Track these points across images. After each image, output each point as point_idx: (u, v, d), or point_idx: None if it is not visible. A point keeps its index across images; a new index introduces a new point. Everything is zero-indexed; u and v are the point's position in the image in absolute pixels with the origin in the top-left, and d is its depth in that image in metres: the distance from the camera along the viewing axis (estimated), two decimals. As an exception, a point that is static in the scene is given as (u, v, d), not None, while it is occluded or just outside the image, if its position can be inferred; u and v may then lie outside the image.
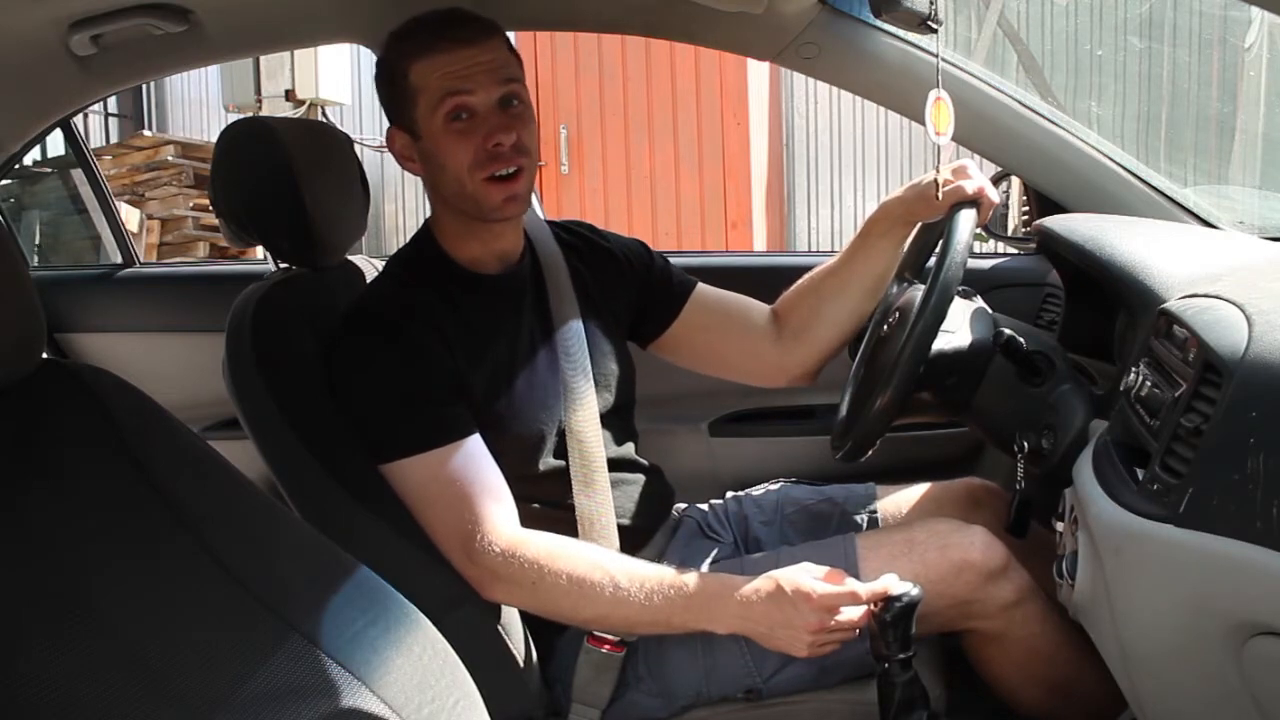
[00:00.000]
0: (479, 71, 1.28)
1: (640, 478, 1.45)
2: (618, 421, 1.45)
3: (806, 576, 1.22)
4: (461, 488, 1.24)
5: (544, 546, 1.24)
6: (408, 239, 1.44)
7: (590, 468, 1.34)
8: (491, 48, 1.30)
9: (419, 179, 1.37)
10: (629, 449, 1.46)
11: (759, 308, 1.56)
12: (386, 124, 1.38)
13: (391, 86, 1.33)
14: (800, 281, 1.56)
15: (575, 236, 1.51)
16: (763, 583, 1.22)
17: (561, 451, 1.34)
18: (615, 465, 1.40)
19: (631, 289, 1.52)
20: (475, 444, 1.27)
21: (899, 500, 1.53)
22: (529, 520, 1.29)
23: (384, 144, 1.38)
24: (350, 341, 1.31)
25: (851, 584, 1.21)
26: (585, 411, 1.36)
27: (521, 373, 1.33)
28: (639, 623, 1.24)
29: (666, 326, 1.54)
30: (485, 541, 1.22)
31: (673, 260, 1.61)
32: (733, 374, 1.61)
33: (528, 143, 1.31)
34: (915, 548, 1.31)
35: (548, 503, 1.34)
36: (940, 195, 1.37)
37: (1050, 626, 1.30)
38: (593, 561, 1.24)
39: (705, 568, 1.38)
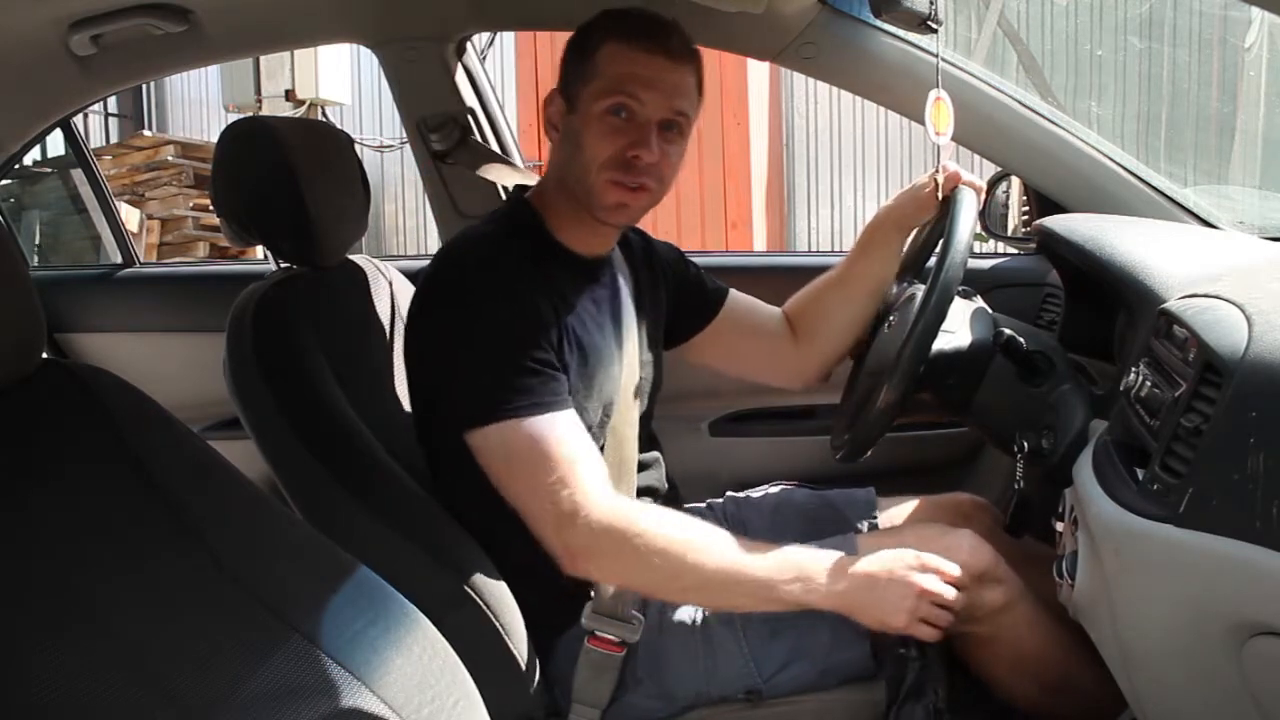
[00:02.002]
0: (659, 86, 1.27)
1: (661, 486, 1.46)
2: (646, 427, 1.46)
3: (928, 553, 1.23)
4: (563, 454, 1.21)
5: (647, 513, 1.22)
6: (500, 207, 1.41)
7: (623, 468, 1.34)
8: (684, 71, 1.30)
9: (419, 179, 1.37)
10: (654, 457, 1.47)
11: (775, 312, 1.61)
12: (405, 116, 1.36)
13: (578, 54, 1.33)
14: (806, 289, 1.60)
15: (634, 238, 1.52)
16: (876, 555, 1.22)
17: (601, 449, 1.34)
18: (641, 467, 1.41)
19: (670, 294, 1.54)
20: (575, 415, 1.25)
21: (892, 514, 1.54)
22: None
23: (384, 144, 1.38)
24: (467, 290, 1.27)
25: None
26: (629, 413, 1.37)
27: (598, 363, 1.33)
28: (741, 594, 1.21)
29: (697, 332, 1.57)
30: (587, 510, 1.19)
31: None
32: (753, 376, 1.65)
33: (665, 171, 1.30)
34: None
35: None
36: (939, 193, 1.39)
37: (1041, 628, 1.30)
38: (698, 528, 1.23)
39: None
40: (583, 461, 1.22)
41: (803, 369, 1.60)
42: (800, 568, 1.21)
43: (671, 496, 1.48)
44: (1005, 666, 1.33)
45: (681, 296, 1.55)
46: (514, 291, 1.26)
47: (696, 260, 1.61)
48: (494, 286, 1.26)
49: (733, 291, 1.59)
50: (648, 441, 1.46)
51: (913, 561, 1.21)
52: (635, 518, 1.21)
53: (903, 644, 1.23)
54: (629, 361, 1.38)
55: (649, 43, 1.28)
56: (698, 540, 1.21)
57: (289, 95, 5.86)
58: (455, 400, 1.26)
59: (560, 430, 1.22)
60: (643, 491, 1.40)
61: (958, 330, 1.31)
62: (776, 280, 1.63)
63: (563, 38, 1.39)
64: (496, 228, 1.37)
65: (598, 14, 1.33)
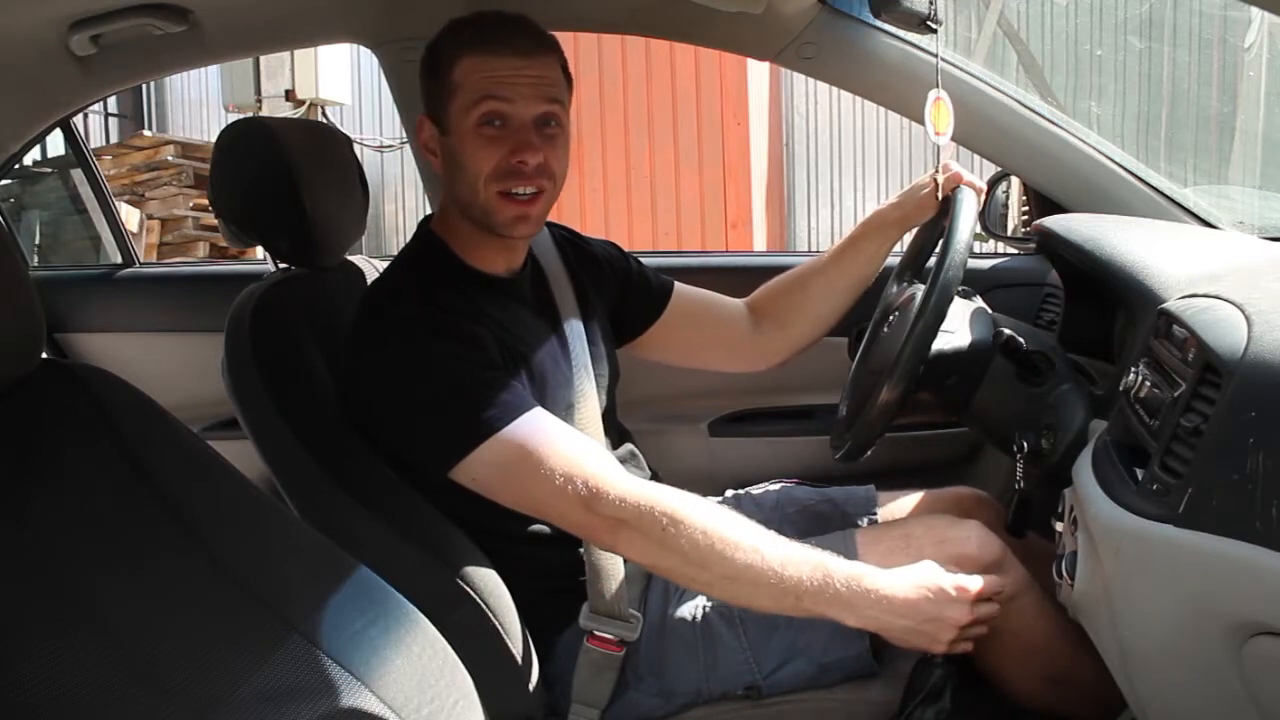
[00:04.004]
0: (524, 83, 1.25)
1: (643, 477, 1.45)
2: (613, 424, 1.46)
3: (956, 572, 1.21)
4: (560, 448, 1.19)
5: (679, 497, 1.19)
6: (408, 240, 1.42)
7: None
8: (544, 64, 1.27)
9: (419, 179, 1.37)
10: (629, 449, 1.46)
11: (732, 301, 1.62)
12: (405, 116, 1.35)
13: (433, 75, 1.30)
14: (785, 276, 1.61)
15: (565, 239, 1.52)
16: (910, 578, 1.19)
17: None
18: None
19: (613, 291, 1.53)
20: (546, 410, 1.23)
21: (893, 509, 1.54)
22: (532, 539, 1.30)
23: (384, 144, 1.38)
24: (393, 348, 1.25)
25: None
26: (591, 413, 1.36)
27: (539, 374, 1.32)
28: (764, 595, 1.17)
29: (648, 326, 1.57)
30: (607, 490, 1.16)
31: (672, 260, 1.62)
32: (708, 364, 1.66)
33: (554, 167, 1.28)
34: (912, 542, 1.32)
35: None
36: (939, 193, 1.40)
37: (1047, 619, 1.31)
38: (733, 521, 1.20)
39: None
40: (581, 445, 1.21)
41: (762, 354, 1.61)
42: (829, 581, 1.16)
43: None
44: (1010, 657, 1.33)
45: (627, 293, 1.55)
46: (448, 325, 1.24)
47: (696, 261, 1.62)
48: (427, 327, 1.23)
49: (678, 284, 1.59)
50: (617, 436, 1.46)
51: (951, 591, 1.18)
52: (667, 497, 1.18)
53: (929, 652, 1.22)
54: (578, 364, 1.37)
55: (500, 46, 1.25)
56: (731, 533, 1.17)
57: (289, 95, 5.86)
58: (425, 446, 1.24)
59: (544, 424, 1.21)
60: None
61: (957, 330, 1.31)
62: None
63: (563, 37, 1.38)
64: (411, 268, 1.35)
65: (443, 30, 1.30)
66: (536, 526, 1.32)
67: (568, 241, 1.52)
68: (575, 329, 1.40)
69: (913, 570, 1.20)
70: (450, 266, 1.34)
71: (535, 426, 1.20)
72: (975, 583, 1.20)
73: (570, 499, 1.18)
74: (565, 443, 1.20)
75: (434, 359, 1.23)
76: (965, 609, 1.18)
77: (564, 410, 1.32)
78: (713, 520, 1.18)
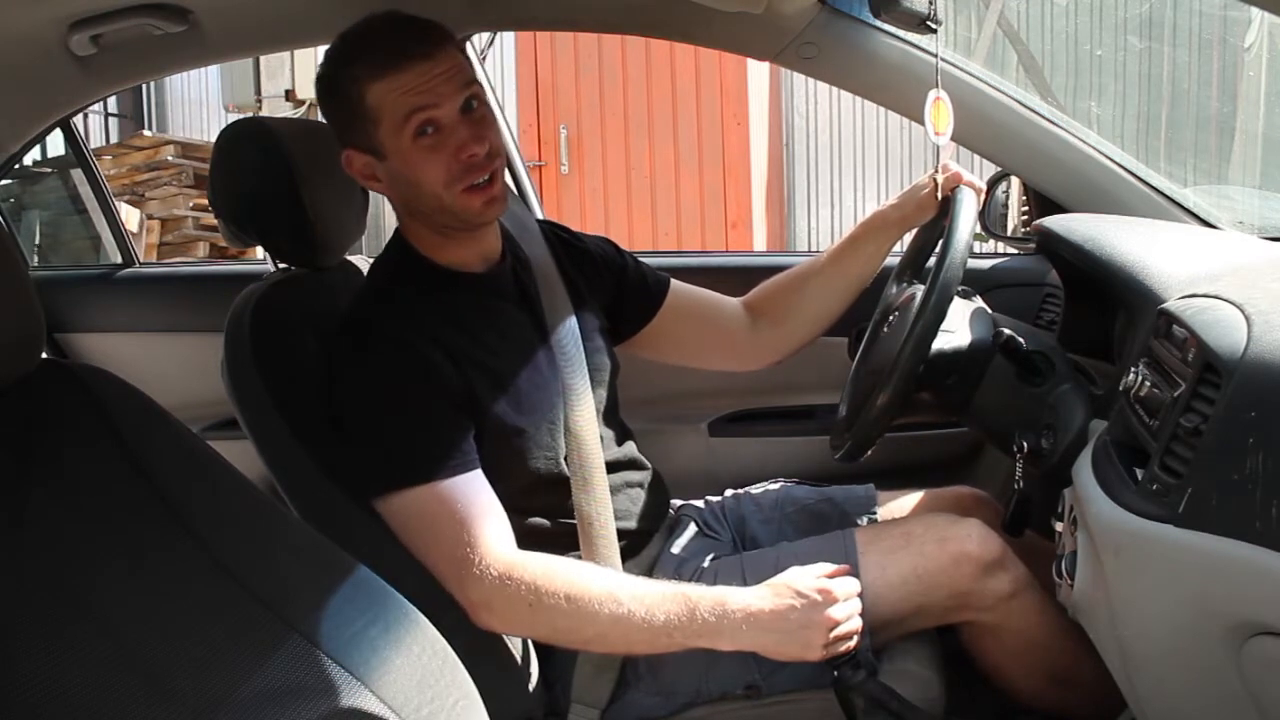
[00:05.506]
0: (439, 83, 1.24)
1: (644, 477, 1.46)
2: (614, 419, 1.45)
3: (814, 574, 1.23)
4: (459, 515, 1.20)
5: (541, 567, 1.21)
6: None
7: (589, 467, 1.33)
8: (446, 55, 1.26)
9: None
10: (631, 447, 1.46)
11: (729, 300, 1.61)
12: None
13: (344, 107, 1.28)
14: (783, 275, 1.61)
15: (556, 234, 1.52)
16: (771, 590, 1.21)
17: (564, 454, 1.34)
18: (620, 465, 1.41)
19: (608, 287, 1.52)
20: (476, 470, 1.24)
21: (893, 508, 1.54)
22: (528, 535, 1.29)
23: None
24: (353, 363, 1.26)
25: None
26: (584, 410, 1.35)
27: (523, 372, 1.31)
28: (639, 641, 1.21)
29: (645, 324, 1.56)
30: (481, 566, 1.18)
31: (672, 260, 1.62)
32: (705, 363, 1.66)
33: (496, 144, 1.29)
34: (913, 541, 1.33)
35: (547, 513, 1.33)
36: (939, 193, 1.39)
37: (1048, 617, 1.31)
38: (591, 579, 1.22)
39: (706, 563, 1.38)
40: (479, 519, 1.21)
41: (759, 353, 1.60)
42: (695, 613, 1.19)
43: (657, 488, 1.48)
44: (1011, 656, 1.33)
45: (623, 290, 1.54)
46: (406, 346, 1.24)
47: (695, 261, 1.61)
48: (387, 347, 1.24)
49: (675, 281, 1.59)
50: (620, 433, 1.45)
51: (813, 595, 1.20)
52: (531, 573, 1.19)
53: (835, 666, 1.22)
54: (571, 358, 1.37)
55: (397, 59, 1.23)
56: (594, 590, 1.20)
57: (289, 95, 5.86)
58: (356, 469, 1.25)
59: (455, 493, 1.21)
60: (623, 486, 1.40)
61: (957, 330, 1.32)
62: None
63: (563, 37, 1.38)
64: (386, 277, 1.36)
65: (333, 61, 1.28)
66: (533, 521, 1.32)
67: (559, 238, 1.51)
68: (568, 324, 1.39)
69: (772, 582, 1.23)
70: (424, 270, 1.34)
71: (442, 494, 1.21)
72: (836, 584, 1.22)
73: (448, 574, 1.20)
74: (459, 514, 1.20)
75: (387, 390, 1.23)
76: (832, 610, 1.20)
77: (547, 408, 1.32)
78: (573, 583, 1.20)
